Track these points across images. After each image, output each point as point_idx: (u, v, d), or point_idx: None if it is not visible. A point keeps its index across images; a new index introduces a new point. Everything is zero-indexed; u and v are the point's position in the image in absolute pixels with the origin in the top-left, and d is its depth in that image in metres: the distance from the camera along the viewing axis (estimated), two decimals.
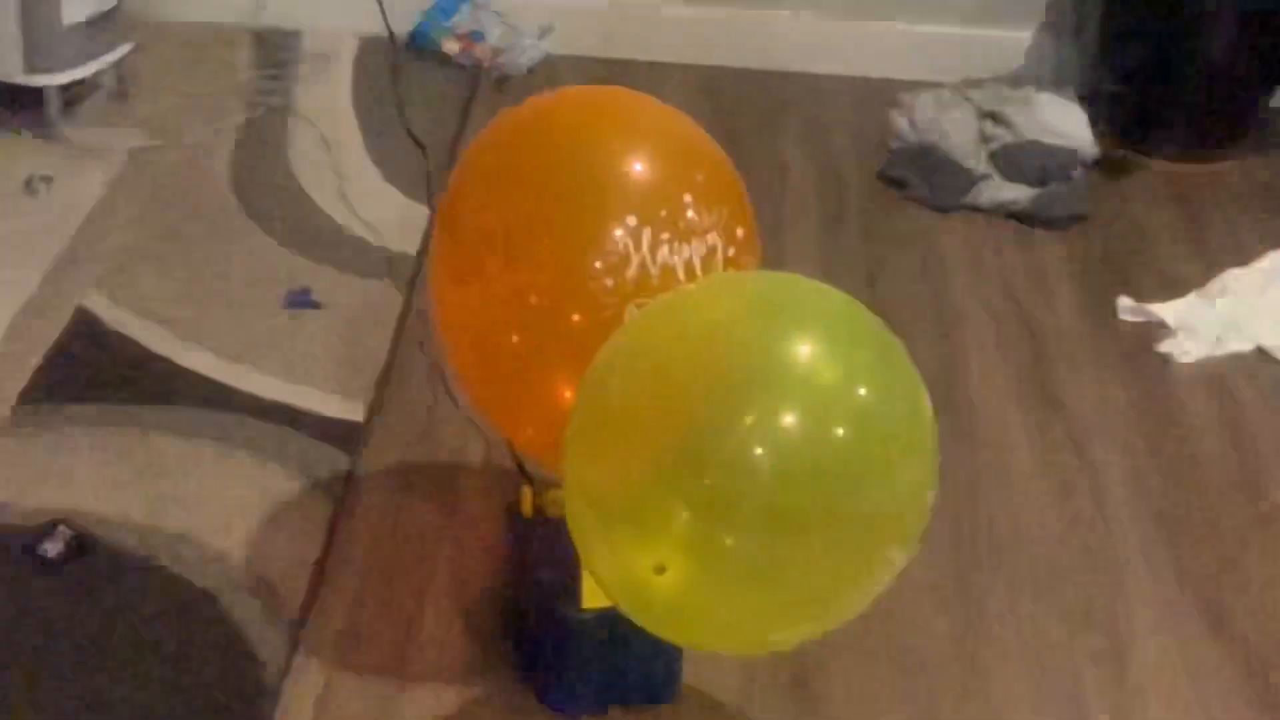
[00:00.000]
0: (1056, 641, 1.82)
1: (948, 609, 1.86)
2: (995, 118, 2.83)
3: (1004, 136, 2.79)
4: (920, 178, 2.75)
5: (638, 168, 1.55)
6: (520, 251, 1.51)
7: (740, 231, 1.56)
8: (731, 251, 1.54)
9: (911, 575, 1.83)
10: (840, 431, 1.32)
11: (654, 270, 1.47)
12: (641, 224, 1.48)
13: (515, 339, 1.52)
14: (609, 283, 1.46)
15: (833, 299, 1.42)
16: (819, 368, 1.35)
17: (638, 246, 1.47)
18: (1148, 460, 2.13)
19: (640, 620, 1.49)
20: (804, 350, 1.36)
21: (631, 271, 1.46)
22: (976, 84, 2.95)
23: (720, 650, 1.65)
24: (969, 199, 2.71)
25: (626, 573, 1.45)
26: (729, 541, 1.35)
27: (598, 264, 1.46)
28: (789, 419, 1.31)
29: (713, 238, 1.51)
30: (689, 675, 1.68)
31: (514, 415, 1.61)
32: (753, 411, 1.31)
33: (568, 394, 1.47)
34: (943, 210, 2.70)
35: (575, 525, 1.48)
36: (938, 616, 1.85)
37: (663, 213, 1.49)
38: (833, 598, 1.42)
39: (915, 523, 1.40)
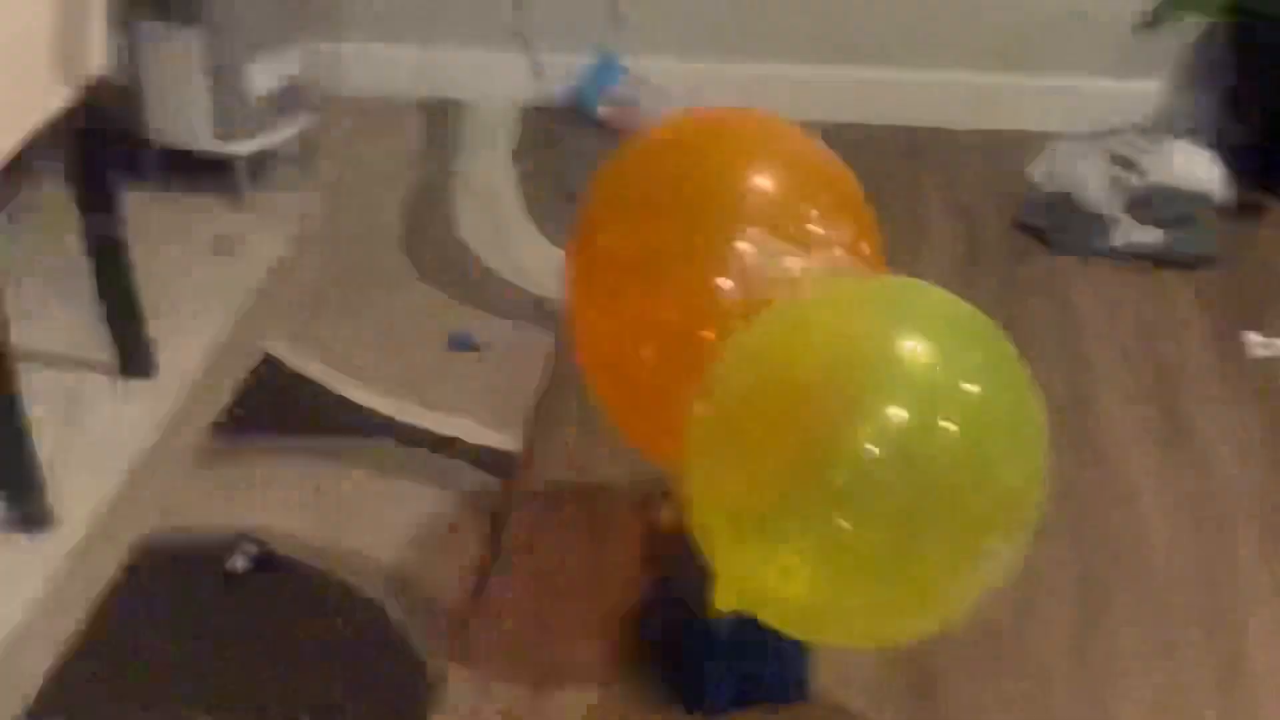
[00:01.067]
0: (1178, 655, 1.89)
1: (1071, 623, 1.94)
2: (1128, 164, 2.91)
3: (1136, 182, 2.88)
4: (1055, 224, 2.84)
5: (762, 184, 1.64)
6: (651, 270, 1.61)
7: (865, 246, 1.63)
8: (857, 268, 1.61)
9: (1035, 590, 1.95)
10: (951, 428, 1.42)
11: (776, 284, 1.55)
12: (764, 238, 1.57)
13: (648, 355, 1.63)
14: (735, 296, 1.55)
15: (945, 301, 1.51)
16: (932, 366, 1.45)
17: (760, 260, 1.56)
18: (1277, 490, 2.18)
19: (768, 619, 1.61)
20: (918, 349, 1.46)
21: (754, 285, 1.55)
22: (1109, 133, 3.04)
23: (841, 644, 1.75)
24: (1102, 243, 2.79)
25: (756, 576, 1.56)
26: (852, 539, 1.46)
27: (724, 280, 1.56)
28: (905, 416, 1.42)
29: (835, 252, 1.59)
30: (819, 679, 1.79)
31: (649, 430, 1.73)
32: (872, 410, 1.42)
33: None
34: (1078, 255, 2.78)
35: (702, 532, 1.59)
36: (1061, 631, 1.92)
37: (785, 227, 1.58)
38: (945, 590, 1.52)
39: (1024, 518, 1.49)
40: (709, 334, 1.58)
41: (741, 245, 1.57)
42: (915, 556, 1.47)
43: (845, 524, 1.45)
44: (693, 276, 1.60)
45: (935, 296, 1.54)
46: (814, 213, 1.61)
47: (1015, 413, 1.49)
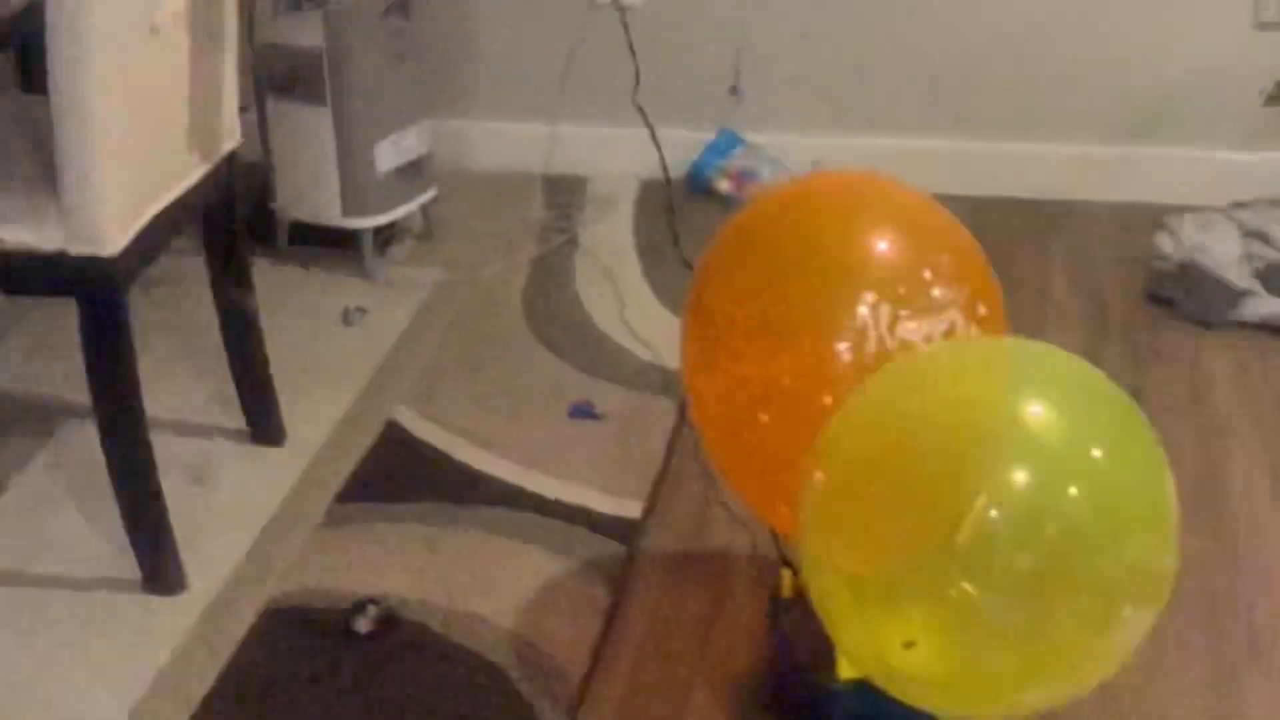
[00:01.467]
0: None
1: (1204, 700, 1.88)
2: (1261, 236, 2.86)
3: (1270, 254, 2.82)
4: (1184, 295, 2.79)
5: (880, 247, 1.64)
6: (769, 334, 1.62)
7: (982, 309, 1.62)
8: (973, 329, 1.60)
9: (1167, 666, 1.91)
10: (1076, 493, 1.40)
11: (892, 346, 1.55)
12: (880, 300, 1.56)
13: (766, 420, 1.63)
14: (850, 359, 1.55)
15: (1069, 363, 1.50)
16: (1057, 430, 1.44)
17: (876, 323, 1.56)
18: None
19: (892, 690, 1.58)
20: (1042, 412, 1.44)
21: (871, 347, 1.55)
22: (1242, 205, 2.99)
23: (967, 715, 1.72)
24: (1235, 315, 2.74)
25: (878, 644, 1.54)
26: (975, 606, 1.44)
27: (841, 344, 1.56)
28: (1028, 480, 1.40)
29: (953, 314, 1.58)
30: None
31: (768, 496, 1.73)
32: (994, 474, 1.40)
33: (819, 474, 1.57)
34: (1208, 326, 2.73)
35: (822, 602, 1.57)
36: (1195, 704, 1.87)
37: (902, 290, 1.58)
38: (1074, 659, 1.49)
39: (1153, 586, 1.46)
40: (827, 399, 1.58)
41: (860, 309, 1.58)
42: (1041, 625, 1.45)
43: (969, 590, 1.43)
44: (811, 340, 1.61)
45: (1057, 358, 1.53)
46: (931, 275, 1.60)
47: (1143, 478, 1.47)
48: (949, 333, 1.59)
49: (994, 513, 1.40)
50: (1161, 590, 1.47)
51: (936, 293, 1.61)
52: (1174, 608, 1.98)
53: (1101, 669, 1.51)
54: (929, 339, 1.58)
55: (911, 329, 1.59)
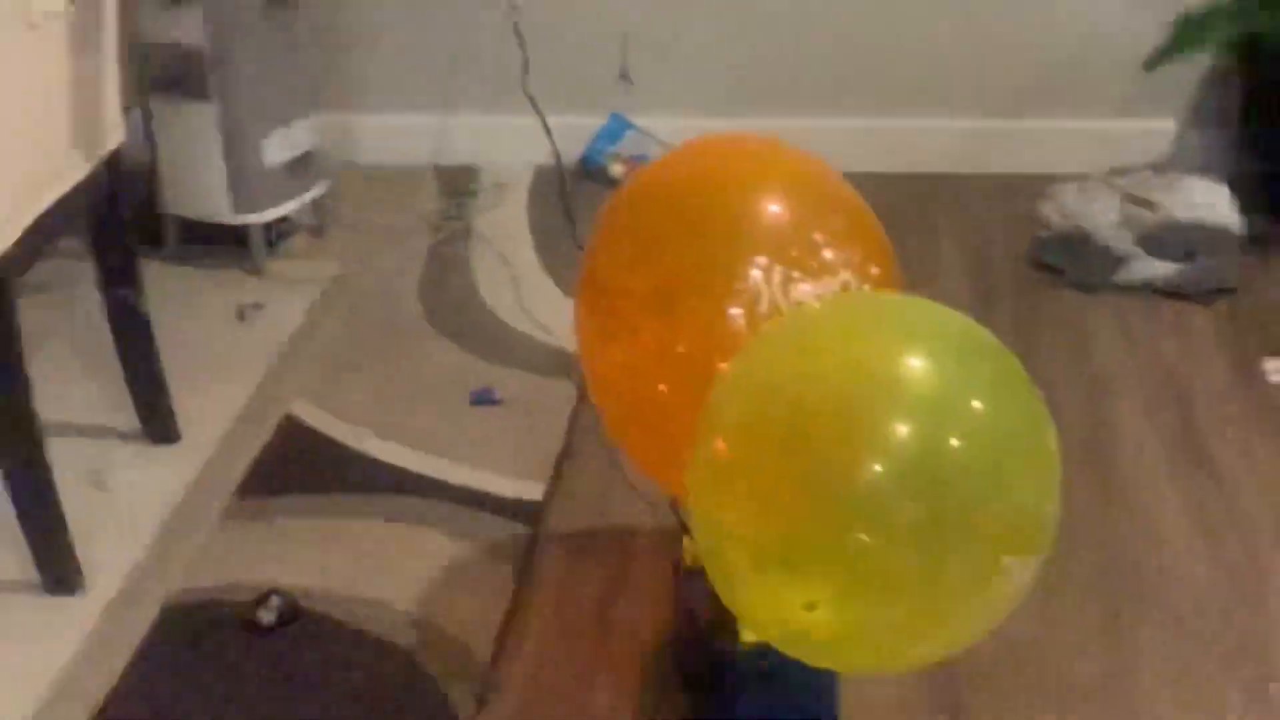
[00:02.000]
0: (1206, 674, 1.88)
1: (1098, 648, 1.93)
2: (1140, 201, 2.92)
3: (1149, 218, 2.89)
4: (1068, 261, 2.86)
5: (770, 210, 1.63)
6: (663, 303, 1.61)
7: (874, 269, 1.62)
8: (866, 289, 1.60)
9: (1063, 615, 1.95)
10: (958, 444, 1.42)
11: (786, 309, 1.55)
12: (773, 263, 1.56)
13: (663, 390, 1.63)
14: (744, 323, 1.55)
15: (949, 318, 1.51)
16: (939, 384, 1.44)
17: (769, 286, 1.55)
18: None
19: (793, 653, 1.60)
20: (924, 367, 1.45)
21: (764, 310, 1.55)
22: (1122, 172, 3.06)
23: (866, 671, 1.75)
24: (1117, 278, 2.81)
25: (780, 611, 1.56)
26: (872, 562, 1.45)
27: (735, 309, 1.56)
28: (913, 435, 1.41)
29: (845, 275, 1.58)
30: (848, 703, 1.79)
31: (669, 466, 1.74)
32: (879, 431, 1.42)
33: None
34: (1091, 290, 2.79)
35: (720, 570, 1.58)
36: (1088, 655, 1.92)
37: (794, 252, 1.57)
38: (965, 610, 1.51)
39: (1037, 533, 1.49)
40: (723, 365, 1.57)
41: (752, 273, 1.57)
42: (933, 577, 1.45)
43: (864, 539, 1.44)
44: (704, 306, 1.59)
45: (938, 314, 1.53)
46: (822, 237, 1.59)
47: (1024, 428, 1.49)
48: (842, 292, 1.60)
49: (879, 468, 1.42)
50: (1044, 538, 1.50)
51: (828, 254, 1.60)
52: (1067, 561, 2.06)
53: (990, 618, 1.53)
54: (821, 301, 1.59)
55: (804, 291, 1.59)
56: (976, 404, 1.45)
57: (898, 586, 1.48)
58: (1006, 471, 1.45)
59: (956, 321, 1.52)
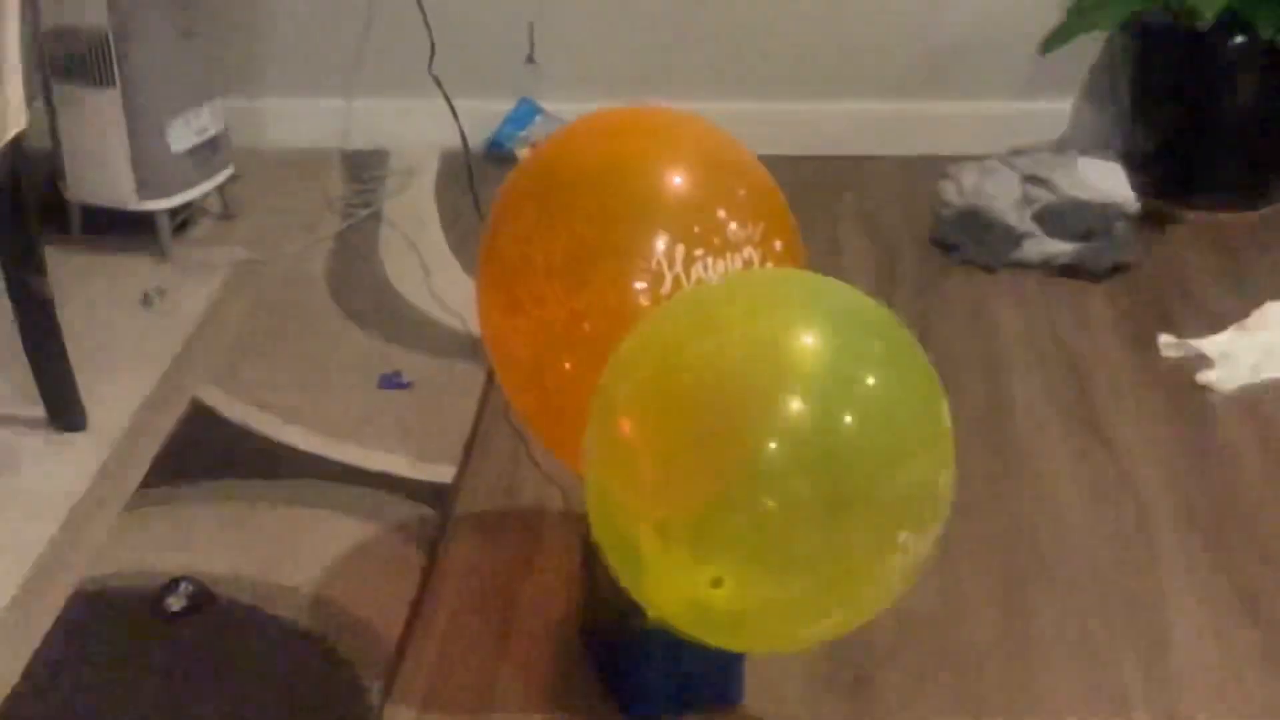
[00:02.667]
0: (1100, 639, 1.94)
1: (997, 615, 1.98)
2: (1038, 181, 2.99)
3: (1047, 197, 2.95)
4: (968, 240, 2.91)
5: (671, 185, 1.61)
6: (567, 272, 1.59)
7: (778, 244, 1.61)
8: (770, 265, 1.60)
9: (963, 587, 2.01)
10: (850, 420, 1.45)
11: (689, 285, 1.55)
12: (675, 241, 1.55)
13: (569, 366, 1.63)
14: (648, 300, 1.55)
15: (843, 293, 1.52)
16: (832, 359, 1.46)
17: (671, 264, 1.54)
18: (1188, 476, 2.25)
19: (695, 633, 1.61)
20: (818, 343, 1.47)
21: (668, 287, 1.54)
22: (1020, 152, 3.12)
23: (762, 650, 1.77)
24: (1015, 256, 2.86)
25: (686, 589, 1.57)
26: (776, 537, 1.47)
27: (639, 284, 1.55)
28: (807, 411, 1.44)
29: (749, 251, 1.58)
30: (753, 678, 1.82)
31: (575, 443, 1.75)
32: (774, 407, 1.44)
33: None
34: (991, 269, 2.85)
35: (622, 551, 1.58)
36: (988, 622, 1.97)
37: (696, 229, 1.56)
38: (863, 585, 1.53)
39: (931, 508, 1.52)
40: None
41: (656, 248, 1.56)
42: (831, 553, 1.48)
43: (763, 522, 1.46)
44: (609, 282, 1.58)
45: (833, 290, 1.54)
46: (725, 213, 1.58)
47: (918, 403, 1.51)
48: (745, 269, 1.59)
49: (774, 444, 1.43)
50: (939, 512, 1.53)
51: (732, 230, 1.59)
52: (966, 531, 2.11)
53: (886, 593, 1.56)
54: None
55: (708, 267, 1.58)
56: (870, 380, 1.48)
57: (798, 562, 1.51)
58: (901, 446, 1.48)
59: (851, 297, 1.54)
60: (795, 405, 1.46)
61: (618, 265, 1.58)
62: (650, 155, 1.67)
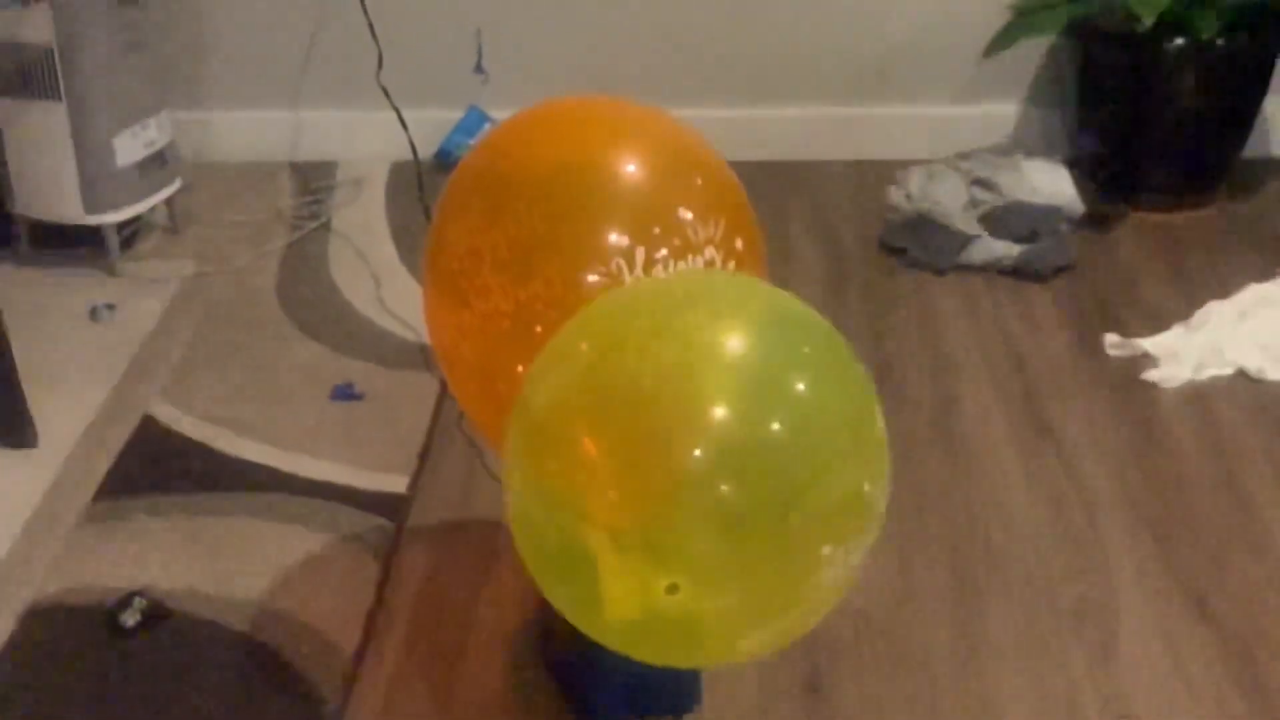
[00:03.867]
0: (1051, 639, 1.96)
1: (949, 617, 2.00)
2: (983, 184, 3.02)
3: (992, 199, 2.98)
4: (916, 243, 2.94)
5: (629, 185, 1.52)
6: (516, 263, 1.51)
7: (739, 243, 1.54)
8: (731, 264, 1.53)
9: (915, 589, 2.03)
10: (778, 427, 1.38)
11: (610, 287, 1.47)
12: (634, 243, 1.47)
13: (521, 370, 1.52)
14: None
15: (772, 296, 1.47)
16: (760, 365, 1.40)
17: (631, 267, 1.48)
18: (1135, 474, 2.28)
19: (642, 649, 1.55)
20: (745, 349, 1.40)
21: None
22: (966, 155, 3.15)
23: (693, 664, 1.75)
24: (962, 259, 2.89)
25: (642, 596, 1.53)
26: (698, 553, 1.40)
27: (593, 277, 1.48)
28: (732, 420, 1.37)
29: (710, 252, 1.51)
30: (709, 684, 1.84)
31: None
32: (699, 417, 1.37)
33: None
34: (939, 272, 2.88)
35: (571, 562, 1.48)
36: (940, 624, 1.99)
37: (656, 230, 1.48)
38: (782, 599, 1.45)
39: (857, 521, 1.44)
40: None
41: (612, 251, 1.49)
42: (756, 563, 1.41)
43: (694, 532, 1.40)
44: (559, 279, 1.51)
45: (763, 293, 1.47)
46: (684, 213, 1.51)
47: (847, 410, 1.45)
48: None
49: (698, 454, 1.39)
50: (869, 522, 1.46)
51: (690, 231, 1.52)
52: (918, 532, 2.13)
53: (818, 604, 1.50)
54: None
55: (667, 270, 1.51)
56: (798, 386, 1.42)
57: (728, 572, 1.45)
58: (827, 456, 1.42)
59: (780, 301, 1.48)
60: (718, 412, 1.40)
61: (567, 266, 1.52)
62: (602, 151, 1.59)
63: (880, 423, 1.48)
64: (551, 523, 1.47)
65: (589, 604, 1.51)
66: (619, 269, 1.50)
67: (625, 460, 1.43)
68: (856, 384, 1.48)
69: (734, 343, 1.42)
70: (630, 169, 1.55)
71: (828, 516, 1.42)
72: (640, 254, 1.51)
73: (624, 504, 1.47)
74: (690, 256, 1.52)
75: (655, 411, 1.40)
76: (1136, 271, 2.87)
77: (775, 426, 1.39)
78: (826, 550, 1.42)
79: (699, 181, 1.57)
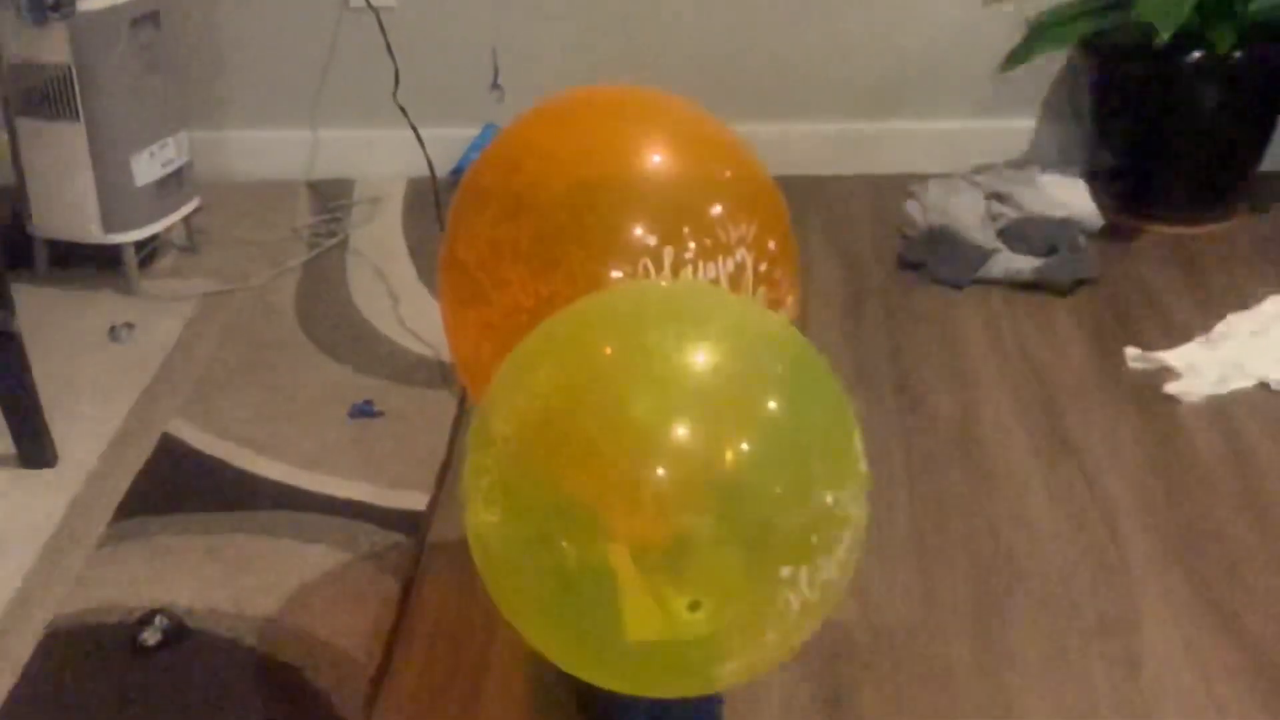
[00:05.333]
0: (1073, 652, 1.95)
1: (971, 630, 1.99)
2: (1001, 198, 3.02)
3: (1010, 214, 2.98)
4: (934, 258, 2.93)
5: (660, 182, 1.46)
6: (535, 257, 1.45)
7: (772, 244, 1.49)
8: (763, 266, 1.48)
9: (936, 603, 2.02)
10: (752, 448, 1.34)
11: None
12: (662, 244, 1.42)
13: None
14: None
15: (745, 312, 1.41)
16: (729, 383, 1.34)
17: (659, 268, 1.43)
18: (1157, 487, 2.26)
19: (665, 670, 1.50)
20: (715, 365, 1.35)
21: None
22: (983, 169, 3.15)
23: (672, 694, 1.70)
24: (981, 273, 2.89)
25: (665, 614, 1.51)
26: (682, 568, 1.36)
27: (616, 278, 1.42)
28: (701, 439, 1.32)
29: (741, 254, 1.46)
30: (730, 700, 1.83)
31: None
32: (664, 435, 1.33)
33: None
34: (957, 286, 2.87)
35: (595, 578, 1.44)
36: (961, 638, 1.98)
37: (685, 230, 1.42)
38: (750, 624, 1.41)
39: (828, 544, 1.39)
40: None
41: (635, 253, 1.44)
42: (726, 586, 1.38)
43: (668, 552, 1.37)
44: (581, 268, 1.45)
45: (732, 305, 1.42)
46: (716, 210, 1.45)
47: (822, 431, 1.41)
48: (737, 274, 1.46)
49: (662, 472, 1.34)
50: (842, 545, 1.42)
51: (721, 231, 1.47)
52: (941, 547, 2.13)
53: (791, 628, 1.45)
54: (717, 280, 1.45)
55: (697, 272, 1.47)
56: (771, 403, 1.37)
57: (709, 593, 1.41)
58: (798, 478, 1.38)
59: (753, 312, 1.43)
60: (684, 431, 1.35)
61: (593, 264, 1.45)
62: (633, 145, 1.54)
63: (858, 444, 1.42)
64: (551, 550, 1.43)
65: (580, 641, 1.48)
66: (646, 272, 1.45)
67: (630, 477, 1.38)
68: (831, 403, 1.42)
69: (697, 358, 1.35)
70: (659, 171, 1.50)
71: (796, 539, 1.37)
72: (669, 256, 1.46)
73: (641, 520, 1.45)
74: (721, 258, 1.47)
75: (612, 429, 1.34)
76: (1156, 285, 2.86)
77: (742, 447, 1.34)
78: (785, 571, 1.37)
79: (731, 181, 1.52)
